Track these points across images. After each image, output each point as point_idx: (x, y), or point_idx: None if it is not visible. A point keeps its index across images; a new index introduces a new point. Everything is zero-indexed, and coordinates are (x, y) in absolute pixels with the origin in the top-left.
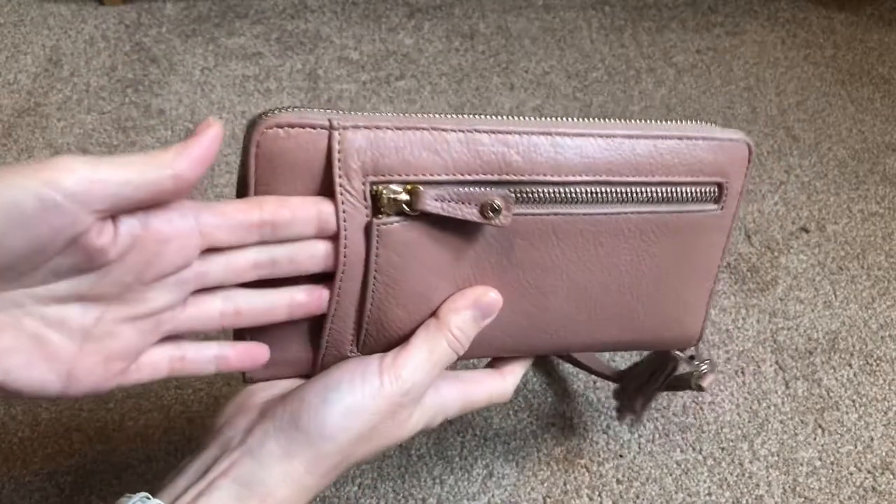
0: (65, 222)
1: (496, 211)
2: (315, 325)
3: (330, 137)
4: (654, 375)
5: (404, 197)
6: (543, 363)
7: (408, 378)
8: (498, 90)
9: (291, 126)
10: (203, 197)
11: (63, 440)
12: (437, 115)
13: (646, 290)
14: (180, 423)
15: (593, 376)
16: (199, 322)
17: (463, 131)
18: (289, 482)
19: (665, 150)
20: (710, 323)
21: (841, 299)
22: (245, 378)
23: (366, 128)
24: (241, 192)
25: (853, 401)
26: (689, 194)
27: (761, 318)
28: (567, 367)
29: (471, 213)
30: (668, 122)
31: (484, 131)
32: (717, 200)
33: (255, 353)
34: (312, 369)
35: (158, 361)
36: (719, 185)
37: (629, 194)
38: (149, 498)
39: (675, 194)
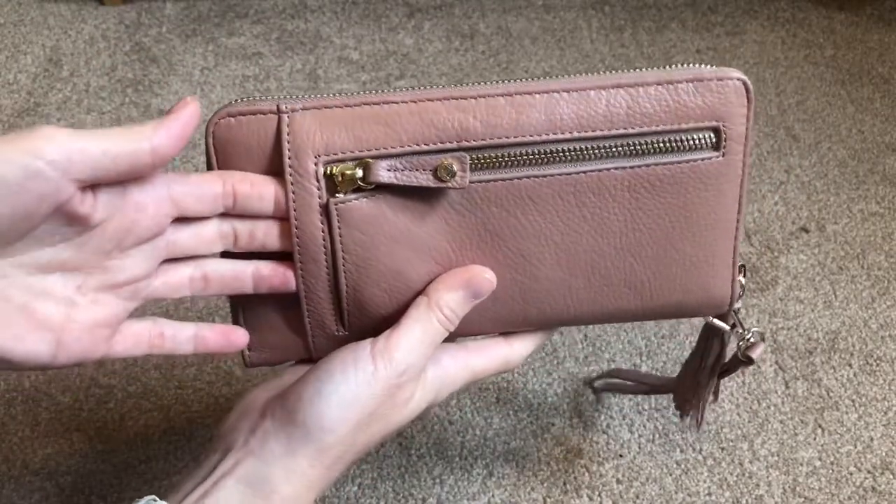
0: (48, 189)
1: (451, 173)
2: (298, 307)
3: (279, 121)
4: (704, 360)
5: (358, 173)
6: (544, 363)
7: (401, 359)
8: None
9: (242, 114)
10: None
11: (63, 440)
12: (392, 90)
13: (648, 251)
14: (180, 423)
15: (592, 376)
16: (172, 289)
17: (415, 101)
18: (293, 478)
19: (643, 97)
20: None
21: (841, 299)
22: (245, 362)
23: (315, 108)
24: None
25: (853, 401)
26: (680, 143)
27: (761, 318)
28: (567, 367)
29: (425, 179)
30: (650, 69)
31: (437, 99)
32: (716, 147)
33: (233, 336)
34: (307, 352)
35: (140, 334)
36: (715, 130)
37: (608, 149)
38: (156, 500)
39: (662, 144)
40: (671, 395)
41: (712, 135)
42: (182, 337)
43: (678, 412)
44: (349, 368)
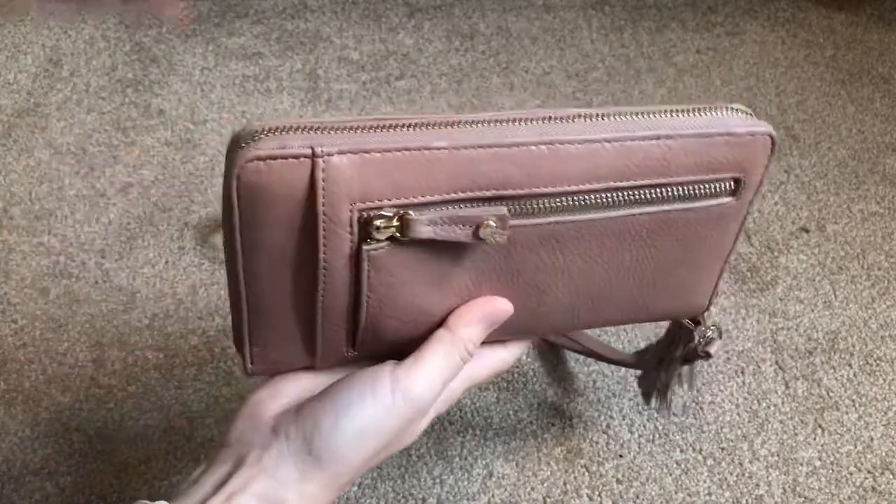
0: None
1: (491, 230)
2: (311, 331)
3: (313, 167)
4: (671, 352)
5: (395, 224)
6: (544, 363)
7: (420, 395)
8: (498, 90)
9: (273, 158)
10: (202, 196)
11: (63, 440)
12: (430, 126)
13: (650, 279)
14: (180, 423)
15: (593, 376)
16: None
17: (456, 148)
18: (305, 501)
19: (679, 149)
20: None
21: (841, 299)
22: (247, 371)
23: (351, 152)
24: (226, 216)
25: (853, 401)
26: (703, 191)
27: (761, 318)
28: (567, 367)
29: (464, 236)
30: (687, 113)
31: (478, 146)
32: (733, 194)
33: None
34: (311, 365)
35: None
36: (736, 180)
37: (638, 197)
38: None
39: (688, 193)
40: (676, 372)
41: (732, 184)
42: None
43: (642, 396)
44: (367, 400)
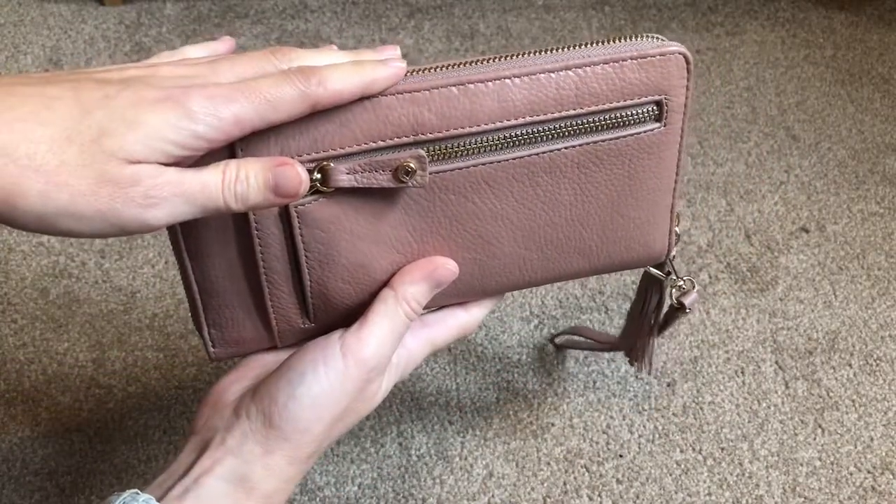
0: None
1: (410, 173)
2: (261, 303)
3: None
4: (645, 308)
5: (317, 176)
6: (544, 363)
7: (371, 355)
8: None
9: None
10: None
11: (63, 440)
12: None
13: (596, 219)
14: (180, 423)
15: (593, 376)
16: None
17: (367, 98)
18: (272, 475)
19: (590, 77)
20: (678, 245)
21: (841, 299)
22: (210, 357)
23: None
24: None
25: (853, 401)
26: (625, 118)
27: (761, 318)
28: (567, 367)
29: (385, 180)
30: (596, 44)
31: (390, 93)
32: (658, 119)
33: None
34: (272, 343)
35: None
36: (658, 103)
37: (558, 130)
38: (138, 493)
39: (609, 121)
40: (656, 331)
41: (655, 108)
42: None
43: (630, 361)
44: (320, 368)
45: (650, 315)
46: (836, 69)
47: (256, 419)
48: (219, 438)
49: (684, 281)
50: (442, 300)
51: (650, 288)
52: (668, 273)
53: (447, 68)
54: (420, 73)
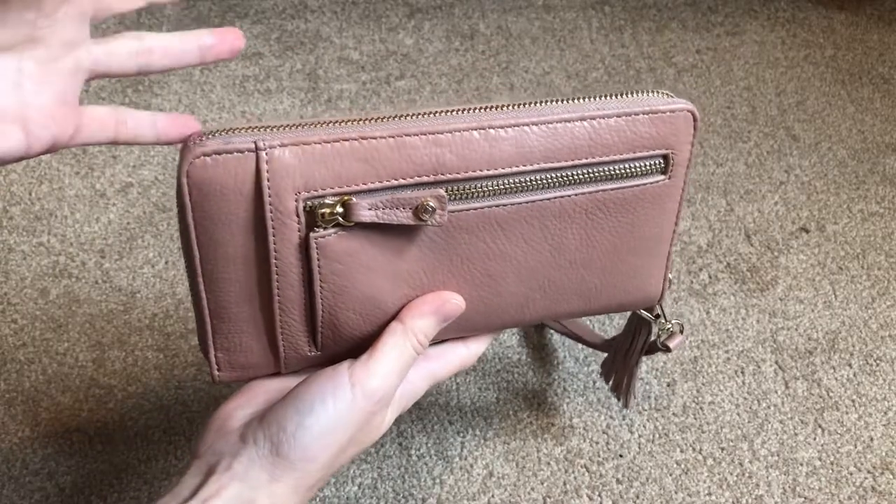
0: None
1: (430, 211)
2: (271, 330)
3: (257, 159)
4: (633, 344)
5: (339, 210)
6: (544, 363)
7: (378, 387)
8: (498, 90)
9: (218, 153)
10: None
11: (63, 440)
12: (371, 121)
13: (598, 263)
14: (180, 423)
15: (593, 376)
16: (116, 60)
17: (393, 137)
18: (276, 502)
19: (604, 129)
20: (671, 283)
21: (841, 299)
22: (214, 379)
23: (293, 145)
24: (181, 217)
25: (853, 401)
26: (633, 169)
27: (761, 318)
28: (567, 367)
29: (405, 217)
30: (610, 97)
31: (414, 134)
32: (663, 171)
33: (184, 122)
34: (277, 369)
35: (104, 119)
36: (665, 157)
37: (570, 177)
38: None
39: (617, 171)
40: (638, 364)
41: (661, 161)
42: (143, 122)
43: (608, 387)
44: (328, 398)
45: (636, 354)
46: (836, 69)
47: (264, 446)
48: (224, 463)
49: (672, 324)
50: (444, 334)
51: (639, 328)
52: (658, 316)
53: (469, 112)
54: (444, 114)
